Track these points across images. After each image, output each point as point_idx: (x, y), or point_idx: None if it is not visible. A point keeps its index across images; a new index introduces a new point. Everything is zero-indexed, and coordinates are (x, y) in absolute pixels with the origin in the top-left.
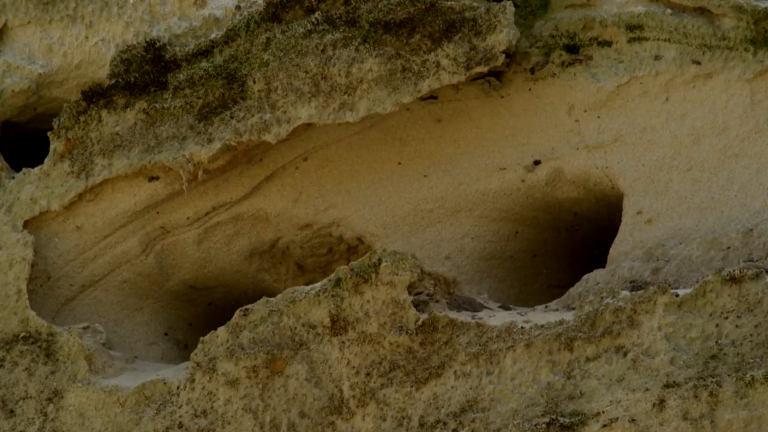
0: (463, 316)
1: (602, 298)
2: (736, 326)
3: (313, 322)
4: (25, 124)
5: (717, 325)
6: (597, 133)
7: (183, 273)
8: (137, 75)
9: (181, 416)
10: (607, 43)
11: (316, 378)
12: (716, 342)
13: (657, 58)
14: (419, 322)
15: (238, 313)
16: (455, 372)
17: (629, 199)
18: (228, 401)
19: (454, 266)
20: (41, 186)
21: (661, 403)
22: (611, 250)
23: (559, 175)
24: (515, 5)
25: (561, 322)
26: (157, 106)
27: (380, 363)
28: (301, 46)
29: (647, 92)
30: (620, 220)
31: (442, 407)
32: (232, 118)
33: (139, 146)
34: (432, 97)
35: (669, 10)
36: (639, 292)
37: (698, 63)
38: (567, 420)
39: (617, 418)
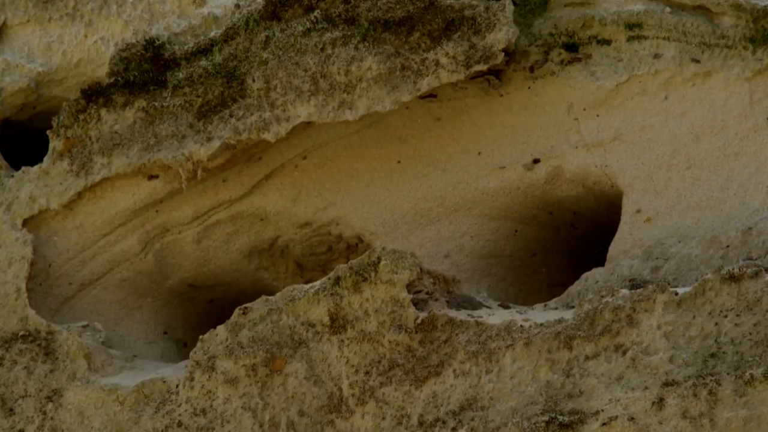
0: (463, 315)
1: (601, 296)
2: (736, 325)
3: (312, 321)
4: (24, 122)
5: (716, 324)
6: (596, 131)
7: (182, 271)
8: (136, 73)
9: (180, 415)
10: (607, 42)
11: (315, 376)
12: (715, 340)
13: (656, 56)
14: (418, 321)
15: (237, 311)
16: (454, 370)
17: (628, 198)
18: (227, 400)
19: (453, 265)
20: (40, 184)
21: (660, 402)
22: (610, 249)
23: (558, 173)
24: (514, 3)
25: (560, 321)
26: (157, 104)
27: (379, 361)
28: (300, 45)
29: (646, 91)
30: (619, 219)
31: (442, 406)
32: (231, 116)
33: (138, 145)
34: (431, 95)
35: (668, 9)
36: (638, 290)
37: (697, 61)
38: (566, 418)
39: (616, 417)
